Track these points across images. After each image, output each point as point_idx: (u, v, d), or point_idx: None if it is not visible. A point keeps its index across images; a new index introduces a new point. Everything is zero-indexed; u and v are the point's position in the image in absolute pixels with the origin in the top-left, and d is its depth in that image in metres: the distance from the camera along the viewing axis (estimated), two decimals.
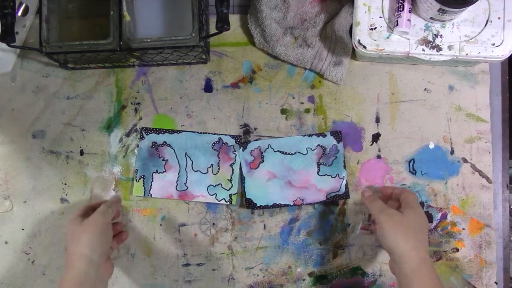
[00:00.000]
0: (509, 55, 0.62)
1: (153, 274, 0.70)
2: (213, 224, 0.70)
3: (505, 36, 0.61)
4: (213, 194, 0.70)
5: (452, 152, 0.71)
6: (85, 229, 0.60)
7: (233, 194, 0.70)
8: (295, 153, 0.70)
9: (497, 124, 0.71)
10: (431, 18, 0.61)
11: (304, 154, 0.70)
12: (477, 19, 0.62)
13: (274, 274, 0.70)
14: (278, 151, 0.70)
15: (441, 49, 0.62)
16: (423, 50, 0.62)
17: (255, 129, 0.71)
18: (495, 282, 0.69)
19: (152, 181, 0.70)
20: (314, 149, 0.70)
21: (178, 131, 0.71)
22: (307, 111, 0.71)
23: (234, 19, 0.72)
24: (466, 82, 0.71)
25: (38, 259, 0.70)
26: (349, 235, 0.70)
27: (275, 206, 0.69)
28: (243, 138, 0.71)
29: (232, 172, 0.70)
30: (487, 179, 0.70)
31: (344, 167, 0.70)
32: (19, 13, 0.70)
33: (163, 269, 0.70)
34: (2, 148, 0.72)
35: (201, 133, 0.70)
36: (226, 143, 0.70)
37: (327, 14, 0.70)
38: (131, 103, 0.72)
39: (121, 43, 0.64)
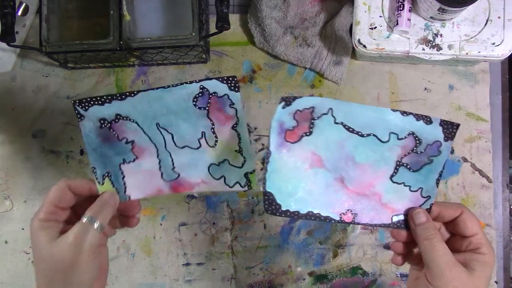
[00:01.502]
0: (509, 55, 0.62)
1: (153, 274, 0.70)
2: (213, 223, 0.70)
3: (505, 35, 0.61)
4: (220, 178, 0.48)
5: (452, 151, 0.71)
6: (56, 260, 0.41)
7: (250, 173, 0.47)
8: (369, 135, 0.44)
9: (497, 124, 0.71)
10: (431, 17, 0.61)
11: (383, 142, 0.44)
12: (477, 19, 0.62)
13: (274, 273, 0.70)
14: (342, 123, 0.44)
15: (441, 49, 0.62)
16: (423, 49, 0.62)
17: (255, 128, 0.71)
18: (495, 282, 0.69)
19: (124, 176, 0.48)
20: (402, 138, 0.44)
21: (132, 93, 0.46)
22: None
23: (234, 19, 0.72)
24: (466, 82, 0.71)
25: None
26: (349, 234, 0.70)
27: (310, 216, 0.45)
28: (235, 82, 0.46)
29: (239, 139, 0.47)
30: (487, 178, 0.70)
31: (438, 182, 0.45)
32: (19, 13, 0.70)
33: (163, 269, 0.70)
34: (2, 148, 0.72)
35: (168, 86, 0.46)
36: (215, 93, 0.46)
37: (327, 13, 0.70)
38: None
39: (121, 42, 0.64)
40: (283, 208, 0.44)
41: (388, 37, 0.63)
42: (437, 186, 0.45)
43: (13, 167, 0.71)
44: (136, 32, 0.67)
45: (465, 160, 0.70)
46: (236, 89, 0.46)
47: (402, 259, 0.47)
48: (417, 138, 0.45)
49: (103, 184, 0.47)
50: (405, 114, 0.45)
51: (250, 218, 0.70)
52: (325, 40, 0.70)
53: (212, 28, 0.63)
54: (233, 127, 0.47)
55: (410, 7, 0.62)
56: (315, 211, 0.44)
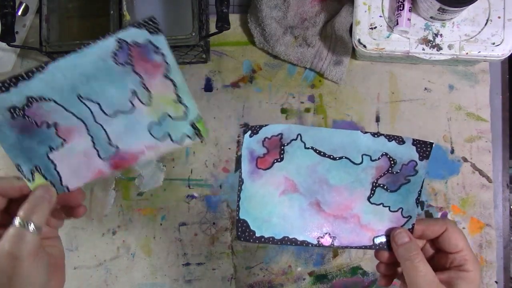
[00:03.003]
0: (509, 55, 0.62)
1: (153, 274, 0.70)
2: (213, 223, 0.70)
3: (505, 35, 0.61)
4: (164, 137, 0.43)
5: (452, 151, 0.71)
6: None
7: (197, 121, 0.43)
8: (341, 157, 0.44)
9: (497, 124, 0.71)
10: (431, 17, 0.61)
11: (356, 164, 0.44)
12: (477, 18, 0.62)
13: (275, 273, 0.70)
14: (312, 148, 0.44)
15: (441, 48, 0.62)
16: (423, 49, 0.62)
17: None
18: (496, 282, 0.69)
19: (56, 166, 0.42)
20: (376, 159, 0.44)
21: (40, 68, 0.41)
22: (307, 110, 0.71)
23: (234, 19, 0.72)
24: (466, 82, 0.71)
25: None
26: None
27: (286, 241, 0.43)
28: (154, 24, 0.41)
29: (175, 86, 0.42)
30: (487, 178, 0.70)
31: (418, 202, 0.44)
32: (19, 13, 0.70)
33: (163, 269, 0.70)
34: (2, 148, 0.71)
35: (80, 49, 0.40)
36: (135, 42, 0.41)
37: (327, 13, 0.70)
38: None
39: None
40: (257, 235, 0.43)
41: (388, 37, 0.63)
42: (418, 206, 0.44)
43: (13, 167, 0.71)
44: None
45: (465, 160, 0.70)
46: (158, 31, 0.41)
47: (387, 280, 0.46)
48: (391, 159, 0.44)
49: (33, 180, 0.42)
50: (376, 136, 0.43)
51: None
52: (325, 40, 0.70)
53: (212, 28, 0.63)
54: (164, 75, 0.41)
55: (410, 7, 0.62)
56: (291, 236, 0.43)
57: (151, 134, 0.42)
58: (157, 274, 0.70)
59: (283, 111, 0.71)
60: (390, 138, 0.44)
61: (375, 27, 0.63)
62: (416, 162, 0.44)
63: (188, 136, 0.43)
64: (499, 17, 0.62)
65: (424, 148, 0.43)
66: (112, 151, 0.42)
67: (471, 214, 0.70)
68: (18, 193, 0.41)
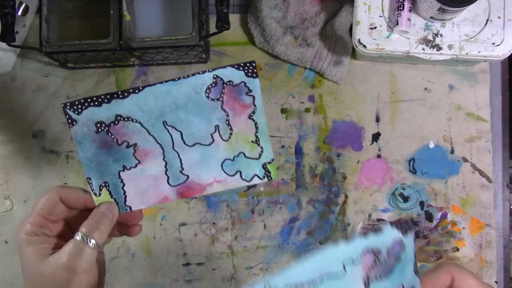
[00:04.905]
0: (509, 55, 0.62)
1: (153, 274, 0.70)
2: (213, 223, 0.70)
3: (505, 35, 0.61)
4: (235, 173, 0.44)
5: (452, 151, 0.70)
6: (47, 281, 0.38)
7: (269, 163, 0.44)
8: (322, 281, 0.39)
9: (497, 124, 0.71)
10: (431, 17, 0.61)
11: (339, 277, 0.39)
12: (477, 18, 0.62)
13: (275, 273, 0.70)
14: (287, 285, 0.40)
15: (441, 48, 0.62)
16: (423, 49, 0.62)
17: None
18: (496, 282, 0.69)
19: (124, 185, 0.43)
20: (358, 260, 0.40)
21: (136, 90, 0.42)
22: (307, 110, 0.71)
23: (234, 19, 0.72)
24: (466, 82, 0.71)
25: None
26: (349, 234, 0.70)
27: None
28: (253, 68, 0.42)
29: (256, 128, 0.44)
30: (487, 178, 0.70)
31: (416, 271, 0.41)
32: (19, 13, 0.70)
33: (163, 269, 0.70)
34: (2, 148, 0.71)
35: (178, 79, 0.42)
36: (230, 81, 0.43)
37: (327, 13, 0.70)
38: None
39: (121, 42, 0.64)
40: None
41: (388, 37, 0.63)
42: (417, 275, 0.41)
43: (13, 167, 0.71)
44: (136, 32, 0.67)
45: (465, 160, 0.70)
46: (254, 75, 0.43)
47: None
48: (373, 250, 0.40)
49: (100, 195, 0.43)
50: (350, 240, 0.39)
51: (250, 218, 0.70)
52: (325, 40, 0.70)
53: (212, 28, 0.63)
54: (249, 116, 0.43)
55: (410, 7, 0.62)
56: None
57: (222, 168, 0.44)
58: (157, 274, 0.70)
59: (283, 111, 0.71)
60: (365, 232, 0.41)
61: (375, 27, 0.63)
62: (401, 239, 0.40)
63: (258, 176, 0.44)
64: (499, 17, 0.62)
65: (405, 224, 0.40)
66: (182, 179, 0.43)
67: (471, 214, 0.70)
68: (81, 205, 0.42)
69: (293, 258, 0.70)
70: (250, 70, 0.43)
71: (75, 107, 0.42)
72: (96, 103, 0.42)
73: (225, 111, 0.43)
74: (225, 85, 0.43)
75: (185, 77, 0.42)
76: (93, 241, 0.39)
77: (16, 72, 0.72)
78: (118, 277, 0.70)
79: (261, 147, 0.44)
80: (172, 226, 0.70)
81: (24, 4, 0.70)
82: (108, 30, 0.63)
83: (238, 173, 0.44)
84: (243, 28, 0.73)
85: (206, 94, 0.43)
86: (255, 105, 0.43)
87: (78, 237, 0.39)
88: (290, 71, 0.72)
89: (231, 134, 0.44)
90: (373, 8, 0.63)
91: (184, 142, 0.43)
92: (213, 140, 0.43)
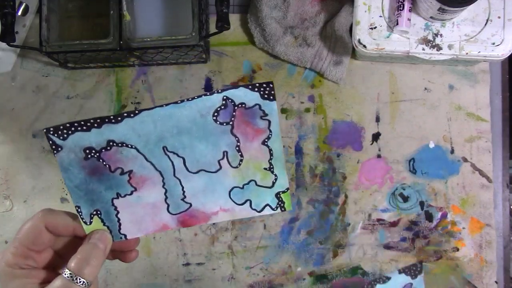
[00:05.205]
0: (509, 55, 0.62)
1: (153, 274, 0.70)
2: (213, 223, 0.70)
3: (505, 35, 0.61)
4: (244, 202, 0.40)
5: (452, 151, 0.70)
6: None
7: (283, 192, 0.40)
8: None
9: (497, 124, 0.71)
10: (431, 17, 0.61)
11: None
12: (477, 18, 0.62)
13: (274, 273, 0.70)
14: None
15: (441, 48, 0.62)
16: (423, 49, 0.62)
17: None
18: (496, 282, 0.69)
19: (118, 213, 0.40)
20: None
21: (131, 114, 0.38)
22: (307, 110, 0.71)
23: (234, 19, 0.72)
24: (466, 82, 0.71)
25: None
26: (349, 234, 0.70)
27: None
28: (270, 89, 0.38)
29: (271, 155, 0.39)
30: (487, 178, 0.70)
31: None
32: (19, 13, 0.70)
33: (163, 269, 0.70)
34: (2, 148, 0.71)
35: (181, 101, 0.38)
36: (243, 103, 0.38)
37: (327, 13, 0.70)
38: (131, 103, 0.72)
39: (121, 42, 0.64)
40: None
41: (388, 37, 0.63)
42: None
43: (13, 167, 0.71)
44: (136, 32, 0.67)
45: (465, 160, 0.70)
46: (272, 97, 0.38)
47: None
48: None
49: (90, 223, 0.39)
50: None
51: (250, 218, 0.70)
52: (325, 40, 0.70)
53: (212, 28, 0.63)
54: (263, 142, 0.39)
55: (410, 7, 0.62)
56: None
57: (230, 197, 0.40)
58: (157, 274, 0.70)
59: (283, 111, 0.71)
60: (372, 285, 0.39)
61: (375, 27, 0.63)
62: (410, 283, 0.41)
63: (270, 206, 0.40)
64: (499, 17, 0.62)
65: (413, 268, 0.39)
66: (184, 207, 0.40)
67: (471, 214, 0.70)
68: (70, 233, 0.38)
69: (293, 258, 0.70)
70: (267, 92, 0.38)
71: (59, 132, 0.37)
72: (84, 127, 0.38)
73: (235, 136, 0.39)
74: (236, 107, 0.38)
75: (190, 99, 0.37)
76: (83, 280, 0.34)
77: (16, 72, 0.72)
78: (118, 277, 0.70)
79: (275, 175, 0.40)
80: None
81: (24, 4, 0.70)
82: (108, 30, 0.63)
83: (248, 202, 0.40)
84: (243, 28, 0.73)
85: (214, 118, 0.38)
86: (270, 130, 0.39)
87: (66, 274, 0.34)
88: (290, 71, 0.72)
89: (241, 161, 0.39)
90: (373, 8, 0.63)
91: (187, 169, 0.39)
92: (221, 167, 0.39)
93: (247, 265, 0.70)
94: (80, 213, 0.39)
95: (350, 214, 0.70)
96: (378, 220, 0.70)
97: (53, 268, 0.36)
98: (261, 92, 0.38)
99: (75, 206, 0.39)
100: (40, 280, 0.35)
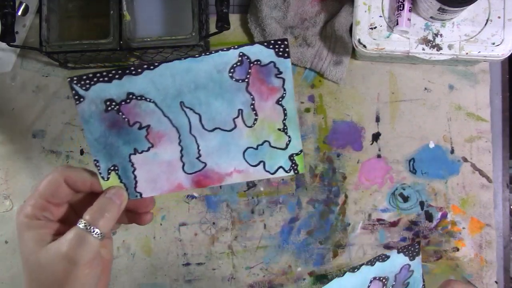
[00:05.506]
0: (509, 54, 0.62)
1: (153, 274, 0.70)
2: (213, 223, 0.70)
3: (505, 35, 0.61)
4: (258, 164, 0.40)
5: (452, 151, 0.70)
6: (45, 272, 0.35)
7: (296, 154, 0.40)
8: None
9: (497, 124, 0.71)
10: (431, 17, 0.61)
11: None
12: (477, 18, 0.62)
13: (274, 273, 0.70)
14: None
15: (441, 48, 0.62)
16: (423, 49, 0.62)
17: None
18: (495, 282, 0.69)
19: (134, 170, 0.40)
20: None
21: (151, 66, 0.38)
22: (307, 110, 0.71)
23: (234, 19, 0.72)
24: (466, 82, 0.71)
25: None
26: (349, 234, 0.70)
27: None
28: (284, 47, 0.38)
29: (285, 115, 0.40)
30: (487, 178, 0.70)
31: None
32: (19, 13, 0.70)
33: (163, 269, 0.70)
34: (2, 148, 0.71)
35: (199, 55, 0.38)
36: (258, 61, 0.38)
37: (327, 13, 0.70)
38: None
39: (121, 42, 0.64)
40: None
41: (388, 37, 0.63)
42: None
43: (13, 167, 0.71)
44: (136, 32, 0.67)
45: (465, 160, 0.70)
46: (286, 54, 0.38)
47: None
48: (381, 278, 0.41)
49: (108, 179, 0.39)
50: (356, 270, 0.40)
51: (250, 218, 0.70)
52: (325, 40, 0.70)
53: (212, 28, 0.63)
54: (277, 101, 0.39)
55: (410, 7, 0.62)
56: None
57: (244, 157, 0.40)
58: (157, 274, 0.70)
59: None
60: (372, 262, 0.41)
61: (375, 27, 0.63)
62: (408, 264, 0.41)
63: (283, 168, 0.40)
64: (499, 17, 0.62)
65: (411, 249, 0.41)
66: (199, 167, 0.40)
67: (471, 214, 0.70)
68: (87, 189, 0.38)
69: (293, 258, 0.70)
70: (281, 49, 0.38)
71: (82, 82, 0.37)
72: (106, 78, 0.37)
73: (250, 94, 0.38)
74: (251, 64, 0.38)
75: (207, 54, 0.37)
76: (97, 230, 0.35)
77: (16, 72, 0.72)
78: (118, 277, 0.70)
79: (289, 136, 0.39)
80: (172, 226, 0.70)
81: (24, 4, 0.70)
82: (108, 30, 0.63)
83: (262, 163, 0.40)
84: (243, 28, 0.73)
85: (230, 74, 0.38)
86: (284, 89, 0.39)
87: (81, 224, 0.35)
88: None
89: (255, 120, 0.39)
90: (373, 8, 0.63)
91: (203, 126, 0.39)
92: (235, 125, 0.39)
93: (247, 265, 0.70)
94: (98, 167, 0.39)
95: (350, 214, 0.70)
96: (378, 220, 0.70)
97: (68, 222, 0.37)
98: (276, 49, 0.38)
99: (94, 160, 0.39)
100: (54, 232, 0.36)
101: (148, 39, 0.63)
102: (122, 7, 0.63)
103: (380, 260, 0.42)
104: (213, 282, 0.70)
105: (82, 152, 0.71)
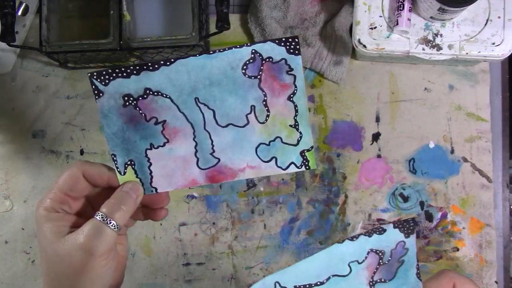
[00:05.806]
0: (509, 54, 0.62)
1: (154, 274, 0.70)
2: (213, 223, 0.70)
3: (505, 35, 0.61)
4: (270, 160, 0.41)
5: (452, 151, 0.70)
6: (62, 262, 0.36)
7: (307, 150, 0.41)
8: (328, 278, 0.42)
9: (497, 123, 0.71)
10: (431, 17, 0.61)
11: (346, 276, 0.42)
12: (477, 18, 0.62)
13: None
14: (295, 287, 0.42)
15: (441, 48, 0.62)
16: (423, 49, 0.62)
17: None
18: (496, 282, 0.69)
19: (150, 165, 0.40)
20: (363, 261, 0.42)
21: (167, 62, 0.39)
22: (307, 110, 0.71)
23: (234, 19, 0.72)
24: (466, 82, 0.71)
25: (38, 259, 0.70)
26: (349, 234, 0.70)
27: None
28: (295, 44, 0.39)
29: (296, 111, 0.41)
30: (487, 178, 0.70)
31: (418, 276, 0.43)
32: (19, 13, 0.70)
33: (163, 269, 0.70)
34: (2, 148, 0.72)
35: (213, 52, 0.39)
36: (270, 58, 0.39)
37: (327, 13, 0.70)
38: None
39: (121, 42, 0.64)
40: None
41: (388, 37, 0.63)
42: (420, 279, 0.43)
43: (13, 167, 0.71)
44: (136, 32, 0.67)
45: (465, 160, 0.70)
46: (297, 51, 0.39)
47: None
48: (378, 251, 0.42)
49: (124, 174, 0.40)
50: (355, 239, 0.42)
51: (250, 218, 0.70)
52: (325, 40, 0.70)
53: (212, 28, 0.63)
54: (289, 98, 0.40)
55: (410, 7, 0.62)
56: None
57: (257, 153, 0.41)
58: (157, 274, 0.70)
59: None
60: (369, 233, 0.42)
61: (375, 27, 0.63)
62: (403, 241, 0.42)
63: (295, 164, 0.41)
64: (499, 17, 0.62)
65: (406, 225, 0.42)
66: (212, 162, 0.41)
67: (471, 214, 0.70)
68: (105, 183, 0.40)
69: (293, 258, 0.70)
70: (292, 46, 0.39)
71: (102, 77, 0.39)
72: (124, 74, 0.39)
73: (262, 90, 0.40)
74: (264, 61, 0.39)
75: (221, 50, 0.38)
76: (113, 222, 0.37)
77: (16, 72, 0.72)
78: None
79: (300, 133, 0.40)
80: (172, 226, 0.70)
81: (24, 4, 0.70)
82: (108, 30, 0.63)
83: (274, 159, 0.41)
84: (243, 28, 0.73)
85: (243, 71, 0.39)
86: (295, 86, 0.40)
87: (98, 216, 0.37)
88: None
89: (268, 116, 0.40)
90: (373, 8, 0.63)
91: (217, 122, 0.40)
92: (248, 121, 0.40)
93: (247, 265, 0.70)
94: (116, 162, 0.40)
95: (350, 214, 0.70)
96: (378, 220, 0.70)
97: (85, 216, 0.38)
98: (287, 47, 0.39)
99: (111, 154, 0.40)
100: (71, 224, 0.38)
101: (148, 39, 0.63)
102: (122, 7, 0.63)
103: (377, 233, 0.42)
104: (213, 282, 0.70)
105: (82, 152, 0.71)
